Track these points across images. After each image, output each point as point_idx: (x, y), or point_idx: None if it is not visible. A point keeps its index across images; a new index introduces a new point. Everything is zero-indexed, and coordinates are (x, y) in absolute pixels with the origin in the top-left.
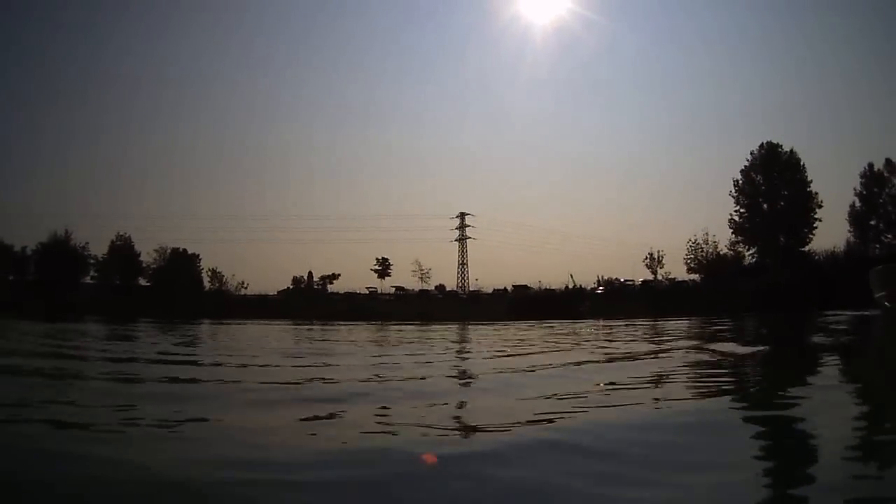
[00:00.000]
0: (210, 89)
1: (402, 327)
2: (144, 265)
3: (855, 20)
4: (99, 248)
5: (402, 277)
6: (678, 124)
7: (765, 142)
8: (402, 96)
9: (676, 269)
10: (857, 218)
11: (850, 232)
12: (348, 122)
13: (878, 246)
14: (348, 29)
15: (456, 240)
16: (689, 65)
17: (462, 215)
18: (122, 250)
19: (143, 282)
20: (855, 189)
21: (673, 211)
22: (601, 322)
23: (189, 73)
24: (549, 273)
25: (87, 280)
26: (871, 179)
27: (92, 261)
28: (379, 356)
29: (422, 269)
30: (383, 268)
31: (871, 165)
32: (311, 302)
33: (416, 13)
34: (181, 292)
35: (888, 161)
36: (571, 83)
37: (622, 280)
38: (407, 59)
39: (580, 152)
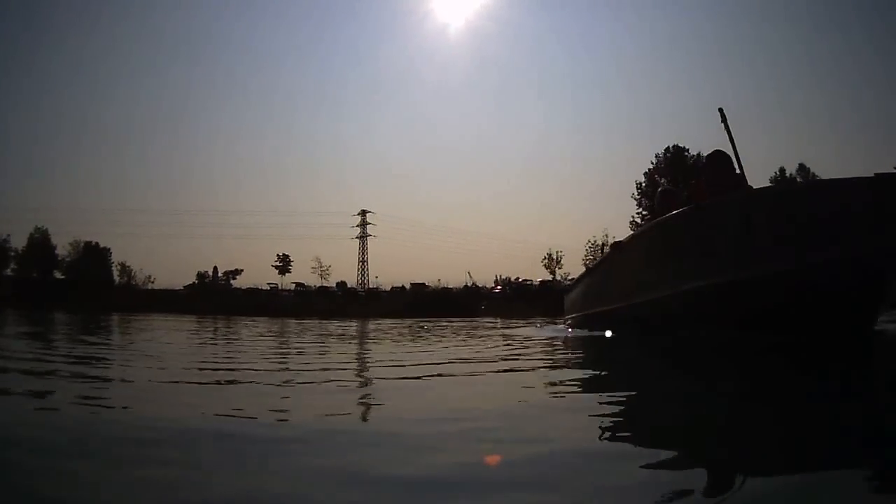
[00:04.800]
0: (118, 85)
1: (303, 322)
2: (60, 258)
3: (777, 23)
4: (19, 241)
5: (303, 274)
6: (586, 126)
7: (671, 145)
8: (306, 93)
9: (576, 269)
10: None
11: None
12: (253, 118)
13: None
14: (253, 23)
15: (357, 237)
16: (598, 66)
17: (363, 213)
18: (40, 243)
19: (58, 275)
20: None
21: (578, 212)
22: (482, 319)
23: (97, 68)
24: (449, 272)
25: (8, 273)
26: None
27: (13, 253)
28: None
29: (321, 266)
30: (284, 264)
31: (782, 170)
32: (215, 297)
33: (323, 10)
34: (93, 286)
35: (801, 166)
36: (478, 83)
37: (521, 280)
38: (313, 55)
39: (483, 152)
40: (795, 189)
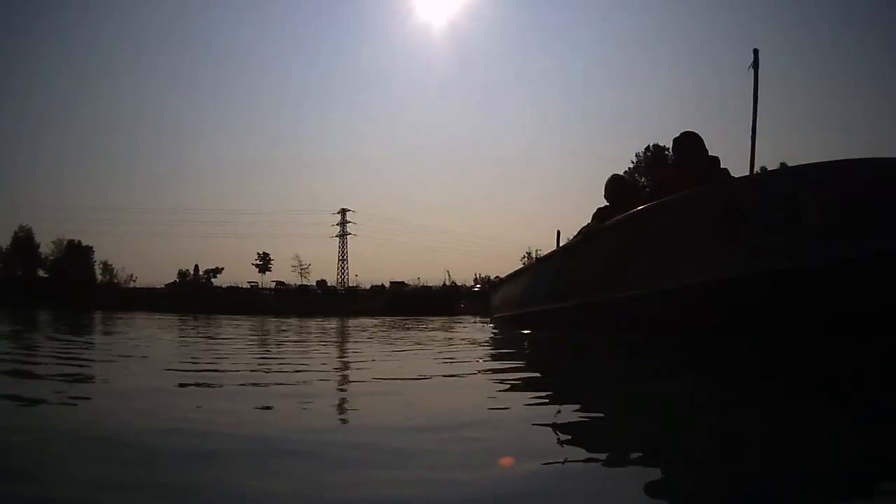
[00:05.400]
0: (101, 84)
1: (283, 321)
2: (43, 257)
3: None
4: (3, 240)
5: (283, 272)
6: (567, 125)
7: (651, 144)
8: (288, 92)
9: None
10: None
11: None
12: (236, 117)
13: None
14: (237, 23)
15: (337, 235)
16: (579, 65)
17: (343, 211)
18: (25, 242)
19: (42, 273)
20: None
21: (558, 211)
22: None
23: (80, 67)
24: (429, 270)
25: None
26: None
27: None
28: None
29: (301, 265)
30: (264, 262)
31: (763, 169)
32: (196, 296)
33: (305, 9)
34: (76, 284)
35: (783, 165)
36: (459, 83)
37: (500, 278)
38: (295, 55)
39: (464, 151)
40: (851, 165)
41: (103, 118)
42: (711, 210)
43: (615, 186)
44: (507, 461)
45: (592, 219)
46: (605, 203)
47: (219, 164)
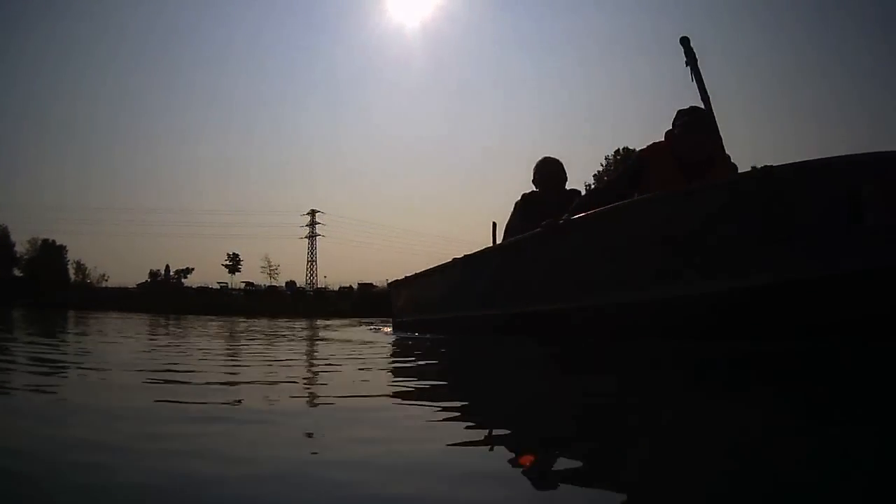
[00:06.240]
0: (75, 85)
1: (252, 322)
2: (18, 255)
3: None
4: None
5: (253, 273)
6: (540, 126)
7: (622, 147)
8: (259, 93)
9: None
10: None
11: None
12: (207, 118)
13: None
14: (211, 23)
15: (306, 237)
16: (551, 67)
17: (312, 212)
18: (0, 241)
19: (17, 272)
20: None
21: None
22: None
23: (54, 68)
24: (398, 272)
25: None
26: None
27: None
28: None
29: (270, 266)
30: (234, 263)
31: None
32: (167, 296)
33: (278, 9)
34: (50, 283)
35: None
36: (432, 86)
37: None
38: (267, 56)
39: (435, 153)
40: None
41: (78, 119)
42: (753, 204)
43: (547, 169)
44: (527, 459)
45: (516, 207)
46: (533, 189)
47: (190, 164)
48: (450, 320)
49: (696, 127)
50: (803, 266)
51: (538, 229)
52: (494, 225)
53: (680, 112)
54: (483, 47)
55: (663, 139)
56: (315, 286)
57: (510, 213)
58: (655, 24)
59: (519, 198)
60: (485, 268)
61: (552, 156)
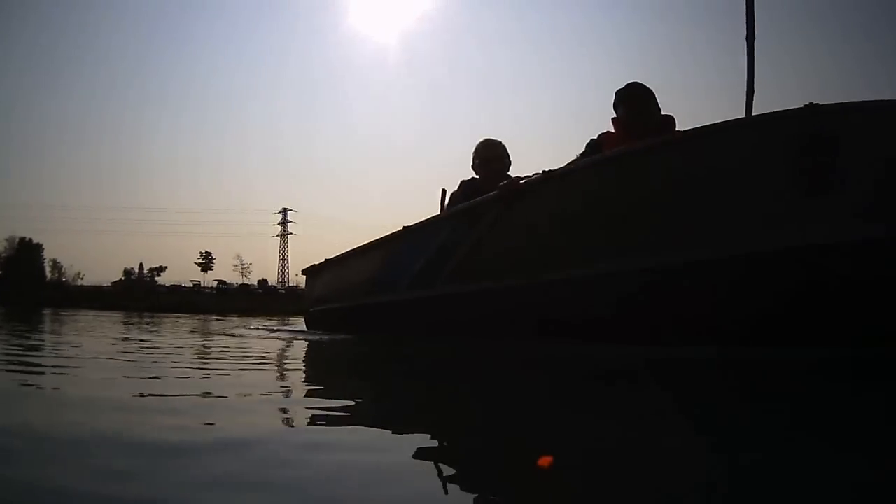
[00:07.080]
0: (44, 83)
1: (224, 320)
2: None
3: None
4: None
5: (225, 271)
6: (510, 125)
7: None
8: (232, 91)
9: None
10: None
11: None
12: (179, 116)
13: None
14: (183, 25)
15: (278, 235)
16: (533, 60)
17: (284, 211)
18: None
19: None
20: None
21: None
22: None
23: (25, 67)
24: None
25: None
26: None
27: None
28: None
29: (242, 264)
30: (206, 261)
31: None
32: (140, 294)
33: (253, 8)
34: (27, 282)
35: None
36: (405, 85)
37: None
38: (240, 55)
39: (408, 151)
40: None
41: (53, 118)
42: (788, 144)
43: (489, 154)
44: (545, 461)
45: (453, 196)
46: (473, 176)
47: (163, 163)
48: (384, 305)
49: (637, 102)
50: (840, 226)
51: (494, 192)
52: (444, 192)
53: (617, 93)
54: (459, 44)
55: (613, 129)
56: (287, 284)
57: (443, 202)
58: (637, 20)
59: (457, 186)
60: (429, 240)
61: (495, 139)
